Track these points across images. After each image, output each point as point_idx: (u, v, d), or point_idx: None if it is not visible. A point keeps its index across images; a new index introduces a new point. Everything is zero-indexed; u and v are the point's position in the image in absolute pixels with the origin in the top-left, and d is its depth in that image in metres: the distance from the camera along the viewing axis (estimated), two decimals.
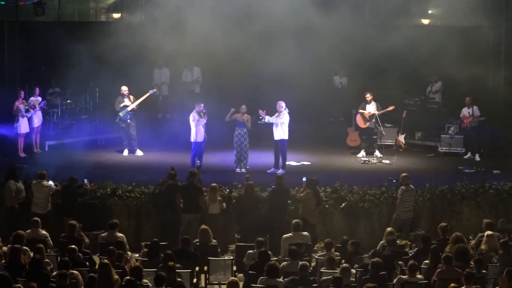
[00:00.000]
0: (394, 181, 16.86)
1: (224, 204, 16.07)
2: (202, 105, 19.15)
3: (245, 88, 22.22)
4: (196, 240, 14.29)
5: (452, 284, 11.30)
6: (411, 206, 16.13)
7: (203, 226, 14.45)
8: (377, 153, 21.06)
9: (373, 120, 20.91)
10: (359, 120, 21.28)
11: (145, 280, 11.66)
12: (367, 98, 20.99)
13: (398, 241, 14.32)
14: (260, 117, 19.16)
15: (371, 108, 21.00)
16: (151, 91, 21.26)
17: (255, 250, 13.38)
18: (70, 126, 22.79)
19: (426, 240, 13.79)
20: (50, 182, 16.28)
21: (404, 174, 16.39)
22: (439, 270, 12.31)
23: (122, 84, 20.80)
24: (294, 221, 14.68)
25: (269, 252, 13.66)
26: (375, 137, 21.15)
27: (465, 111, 21.25)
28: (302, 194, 15.95)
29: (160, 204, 16.16)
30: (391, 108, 20.90)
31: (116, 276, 11.67)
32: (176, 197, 15.77)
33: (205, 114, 18.95)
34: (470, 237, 14.79)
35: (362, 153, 21.21)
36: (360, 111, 21.16)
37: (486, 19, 23.75)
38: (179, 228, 15.72)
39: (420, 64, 22.34)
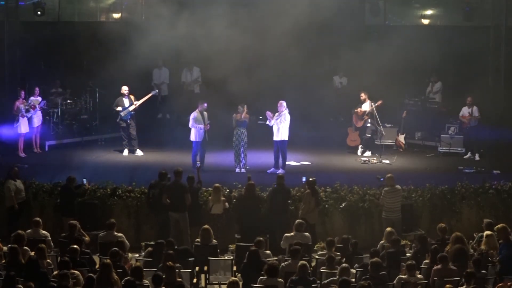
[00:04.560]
0: (381, 179, 16.81)
1: (227, 204, 16.05)
2: (205, 104, 19.15)
3: (244, 88, 22.18)
4: (197, 239, 14.29)
5: (448, 286, 11.31)
6: (397, 206, 16.05)
7: (205, 226, 14.41)
8: (367, 153, 21.10)
9: (366, 117, 20.98)
10: (354, 119, 21.41)
11: (145, 281, 11.63)
12: (361, 98, 21.09)
13: None
14: (260, 117, 19.16)
15: (366, 107, 21.05)
16: (153, 92, 21.29)
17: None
18: (70, 126, 22.78)
19: (423, 240, 13.86)
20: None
21: (389, 175, 16.37)
22: (435, 268, 12.33)
23: (122, 84, 20.78)
24: (297, 221, 14.67)
25: (269, 252, 13.70)
26: (368, 135, 21.17)
27: (465, 111, 21.24)
28: (302, 195, 15.96)
29: (158, 206, 16.03)
30: (379, 102, 20.86)
31: (116, 277, 11.65)
32: (163, 197, 15.73)
33: (207, 123, 18.94)
34: (475, 235, 14.78)
35: (368, 152, 21.22)
36: (355, 110, 21.27)
37: (486, 19, 23.77)
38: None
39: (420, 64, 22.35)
